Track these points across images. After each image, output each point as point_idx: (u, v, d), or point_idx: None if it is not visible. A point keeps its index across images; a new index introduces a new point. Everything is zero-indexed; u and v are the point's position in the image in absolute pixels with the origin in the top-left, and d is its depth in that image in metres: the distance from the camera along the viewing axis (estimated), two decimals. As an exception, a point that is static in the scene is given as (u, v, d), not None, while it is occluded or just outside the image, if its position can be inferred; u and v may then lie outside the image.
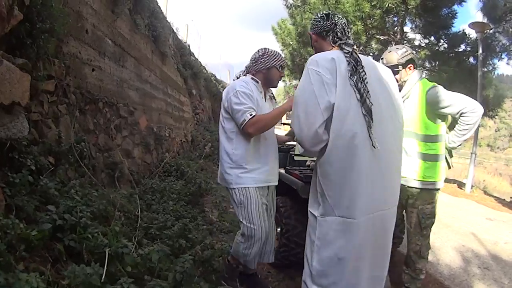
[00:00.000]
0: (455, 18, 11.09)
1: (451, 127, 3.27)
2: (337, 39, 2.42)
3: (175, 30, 12.21)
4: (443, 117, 3.16)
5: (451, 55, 11.98)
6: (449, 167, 3.47)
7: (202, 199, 6.20)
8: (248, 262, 3.16)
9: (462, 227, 6.27)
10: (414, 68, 3.28)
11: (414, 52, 3.28)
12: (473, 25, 10.67)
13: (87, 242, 2.47)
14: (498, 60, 11.88)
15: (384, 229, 2.29)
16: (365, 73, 2.15)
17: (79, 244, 2.44)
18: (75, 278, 1.96)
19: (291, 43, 15.05)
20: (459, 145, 3.24)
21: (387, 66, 3.15)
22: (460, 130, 3.11)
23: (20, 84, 2.74)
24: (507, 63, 12.01)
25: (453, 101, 3.04)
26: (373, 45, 13.32)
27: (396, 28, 12.33)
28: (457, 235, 5.76)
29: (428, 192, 3.19)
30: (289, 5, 14.99)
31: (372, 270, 2.26)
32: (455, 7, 10.99)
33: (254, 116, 2.90)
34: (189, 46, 15.03)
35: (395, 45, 12.18)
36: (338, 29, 2.42)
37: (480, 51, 10.62)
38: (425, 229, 3.22)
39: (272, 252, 3.26)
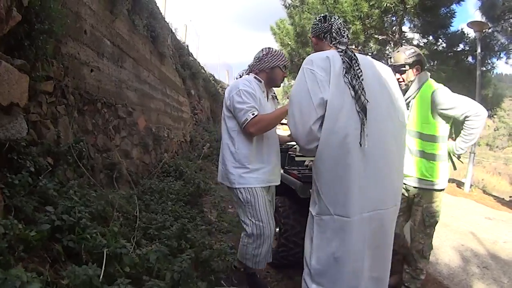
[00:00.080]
0: (454, 17, 11.09)
1: (456, 134, 3.29)
2: (333, 39, 2.46)
3: (173, 31, 12.21)
4: (447, 119, 3.17)
5: (449, 54, 11.98)
6: (454, 168, 3.48)
7: (201, 199, 6.20)
8: (259, 263, 3.15)
9: (461, 226, 6.27)
10: (421, 69, 3.30)
11: (421, 53, 3.29)
12: (471, 24, 10.67)
13: (86, 242, 2.46)
14: (497, 59, 11.93)
15: (382, 229, 2.28)
16: (361, 71, 2.17)
17: (77, 244, 2.44)
18: (74, 278, 1.96)
19: (289, 43, 15.04)
20: (467, 150, 3.25)
21: (394, 65, 3.25)
22: (466, 135, 3.11)
23: (19, 85, 2.74)
24: (506, 62, 12.02)
25: (457, 103, 3.06)
26: (371, 45, 13.31)
27: (394, 27, 12.33)
28: (456, 235, 5.76)
29: (429, 191, 3.21)
30: (287, 5, 15.01)
31: (373, 271, 2.27)
32: (454, 6, 10.99)
33: (256, 115, 2.90)
34: (187, 46, 15.05)
35: (393, 45, 12.29)
36: (334, 30, 2.47)
37: (479, 50, 10.62)
38: (429, 228, 3.25)
39: (270, 252, 3.27)
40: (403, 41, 12.31)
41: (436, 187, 3.19)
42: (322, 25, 2.51)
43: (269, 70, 3.20)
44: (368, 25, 11.60)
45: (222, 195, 6.79)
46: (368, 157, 2.14)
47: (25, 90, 2.85)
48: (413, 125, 3.21)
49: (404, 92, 3.27)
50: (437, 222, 3.26)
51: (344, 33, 2.48)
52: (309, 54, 2.36)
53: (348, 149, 2.09)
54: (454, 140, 3.27)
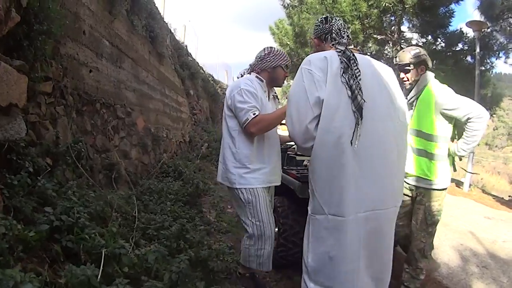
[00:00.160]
0: (453, 17, 11.10)
1: (459, 135, 3.30)
2: (333, 40, 2.47)
3: (172, 31, 12.20)
4: (450, 119, 3.19)
5: (448, 54, 11.97)
6: (454, 170, 3.50)
7: (200, 200, 6.19)
8: (263, 264, 3.14)
9: (460, 225, 6.28)
10: (426, 69, 3.32)
11: (427, 54, 3.32)
12: (470, 23, 10.69)
13: (84, 243, 2.46)
14: (496, 59, 11.89)
15: (380, 230, 2.27)
16: (359, 71, 2.18)
17: (76, 245, 2.44)
18: (71, 277, 1.96)
19: (288, 43, 15.01)
20: (469, 152, 3.26)
21: (399, 64, 3.30)
22: (468, 137, 3.12)
23: (18, 86, 2.74)
24: (505, 62, 12.03)
25: (460, 104, 3.07)
26: (370, 45, 13.32)
27: (393, 27, 12.34)
28: (455, 234, 5.77)
29: (429, 190, 3.23)
30: (286, 5, 14.99)
31: (372, 272, 2.26)
32: (452, 6, 11.00)
33: (257, 115, 2.90)
34: (186, 46, 15.03)
35: (392, 44, 12.31)
36: (334, 31, 2.49)
37: (478, 50, 10.64)
38: (431, 227, 3.26)
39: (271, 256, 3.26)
40: (402, 41, 12.33)
41: (435, 186, 3.20)
42: (324, 26, 2.54)
43: (271, 69, 3.20)
44: (367, 25, 11.58)
45: (221, 195, 6.79)
46: (364, 157, 2.14)
47: (24, 90, 2.85)
48: (414, 123, 3.25)
49: (408, 91, 3.33)
50: (438, 221, 3.28)
51: (344, 33, 2.48)
52: (307, 54, 2.37)
53: (343, 148, 2.09)
54: (457, 141, 3.28)
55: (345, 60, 2.19)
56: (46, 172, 3.10)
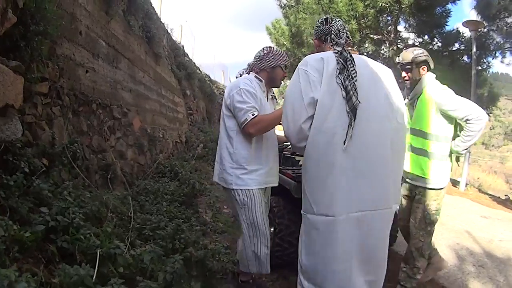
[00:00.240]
0: (449, 16, 11.16)
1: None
2: (332, 41, 2.49)
3: (169, 31, 12.21)
4: (450, 119, 3.22)
5: (445, 53, 12.02)
6: (457, 164, 3.54)
7: (196, 200, 6.19)
8: (261, 265, 3.14)
9: (457, 225, 6.32)
10: (428, 69, 3.36)
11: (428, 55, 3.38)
12: (467, 23, 10.73)
13: (80, 243, 2.46)
14: (493, 59, 11.98)
15: (373, 230, 2.26)
16: (355, 72, 2.18)
17: (71, 245, 2.43)
18: (65, 276, 1.97)
19: (285, 43, 15.03)
20: (465, 149, 3.29)
21: (401, 63, 3.35)
22: (465, 136, 3.16)
23: (14, 87, 2.74)
24: (502, 62, 12.06)
25: (459, 106, 3.12)
26: (366, 45, 13.34)
27: (389, 27, 12.37)
28: (451, 233, 5.80)
29: (426, 189, 3.26)
30: (283, 5, 15.02)
31: (365, 274, 2.26)
32: (449, 5, 11.06)
33: (256, 116, 2.89)
34: (183, 47, 15.04)
35: (389, 44, 12.32)
36: (333, 32, 2.51)
37: (474, 49, 10.68)
38: (429, 225, 3.29)
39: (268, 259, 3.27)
40: (399, 41, 12.36)
41: (430, 185, 3.23)
42: (323, 27, 2.57)
43: (270, 69, 3.19)
44: (363, 25, 11.61)
45: (217, 195, 6.77)
46: (358, 157, 2.15)
47: (20, 91, 2.85)
48: (414, 123, 3.31)
49: (410, 90, 3.39)
50: (437, 220, 3.32)
51: (343, 34, 2.50)
52: (304, 55, 2.39)
53: (335, 149, 2.11)
54: None
55: (342, 61, 2.21)
56: (42, 173, 3.10)
